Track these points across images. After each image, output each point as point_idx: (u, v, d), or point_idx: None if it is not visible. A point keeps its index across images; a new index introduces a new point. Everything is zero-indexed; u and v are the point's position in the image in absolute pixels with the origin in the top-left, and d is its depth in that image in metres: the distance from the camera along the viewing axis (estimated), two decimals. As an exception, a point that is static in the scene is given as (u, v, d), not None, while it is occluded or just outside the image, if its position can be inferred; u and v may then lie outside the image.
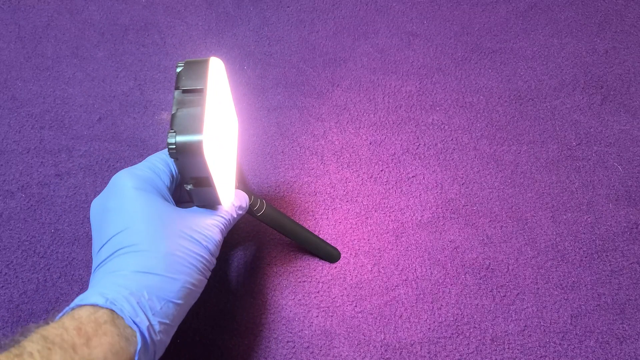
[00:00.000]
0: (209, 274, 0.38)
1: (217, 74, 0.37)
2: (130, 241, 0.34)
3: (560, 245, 0.57)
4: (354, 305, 0.53)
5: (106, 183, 0.58)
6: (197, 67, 0.35)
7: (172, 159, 0.34)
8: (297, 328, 0.52)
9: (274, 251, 0.56)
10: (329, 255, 0.55)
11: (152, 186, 0.37)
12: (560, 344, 0.52)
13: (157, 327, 0.33)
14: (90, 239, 0.56)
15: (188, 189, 0.37)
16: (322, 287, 0.54)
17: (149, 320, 0.32)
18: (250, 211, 0.46)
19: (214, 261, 0.38)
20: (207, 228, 0.37)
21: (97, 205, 0.38)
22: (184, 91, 0.35)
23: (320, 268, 0.55)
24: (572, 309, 0.54)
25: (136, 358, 0.32)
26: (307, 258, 0.56)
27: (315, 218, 0.58)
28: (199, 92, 0.35)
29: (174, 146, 0.33)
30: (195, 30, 0.70)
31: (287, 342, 0.52)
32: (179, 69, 0.36)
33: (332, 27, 0.71)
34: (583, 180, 0.61)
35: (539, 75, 0.68)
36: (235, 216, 0.41)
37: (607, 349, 0.52)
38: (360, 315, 0.53)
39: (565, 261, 0.56)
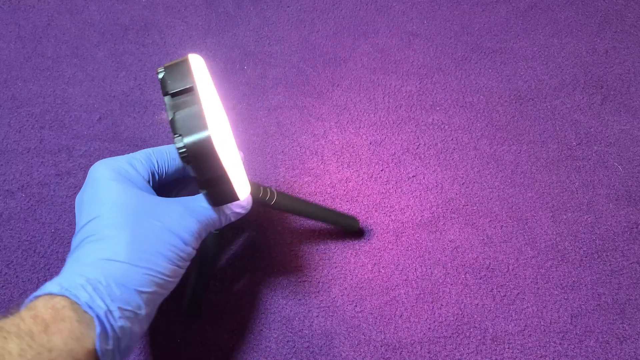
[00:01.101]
0: (184, 263, 0.37)
1: (200, 70, 0.37)
2: (96, 230, 0.34)
3: (561, 245, 0.57)
4: (354, 305, 0.53)
5: (106, 183, 0.59)
6: (178, 68, 0.35)
7: (184, 164, 0.33)
8: (297, 328, 0.52)
9: (274, 251, 0.56)
10: (350, 225, 0.55)
11: (127, 177, 0.37)
12: (560, 344, 0.52)
13: (116, 314, 0.32)
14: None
15: (204, 194, 0.36)
16: (323, 286, 0.54)
17: (106, 305, 0.32)
18: (263, 203, 0.46)
19: (190, 250, 0.37)
20: (181, 216, 0.37)
21: (77, 198, 0.38)
22: (174, 95, 0.34)
23: (320, 268, 0.55)
24: (572, 309, 0.54)
25: (97, 343, 0.31)
26: (308, 258, 0.56)
27: (316, 218, 0.58)
28: (189, 91, 0.34)
29: (185, 149, 0.32)
30: (195, 30, 0.70)
31: (287, 341, 0.52)
32: (160, 75, 0.35)
33: (332, 26, 0.71)
34: (583, 180, 0.61)
35: (539, 75, 0.68)
36: (229, 213, 0.40)
37: (607, 348, 0.52)
38: (360, 315, 0.53)
39: (565, 261, 0.56)
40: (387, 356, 0.51)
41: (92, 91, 0.65)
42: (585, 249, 0.57)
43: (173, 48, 0.69)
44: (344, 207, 0.59)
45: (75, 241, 0.35)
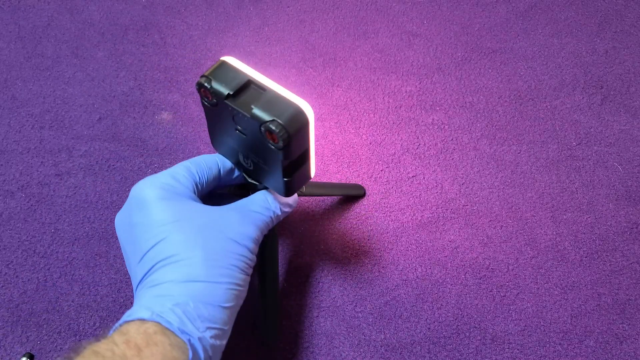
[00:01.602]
0: (251, 271, 0.37)
1: (239, 63, 0.36)
2: (167, 253, 0.34)
3: (560, 245, 0.57)
4: (354, 305, 0.54)
5: (106, 183, 0.59)
6: (221, 71, 0.34)
7: (280, 149, 0.33)
8: (297, 328, 0.52)
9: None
10: (357, 193, 0.58)
11: (175, 192, 0.37)
12: (560, 344, 0.52)
13: (207, 334, 0.32)
14: (91, 239, 0.56)
15: (286, 182, 0.36)
16: (323, 287, 0.54)
17: (197, 328, 0.32)
18: (300, 193, 0.46)
19: (255, 258, 0.37)
20: (240, 224, 0.37)
21: (121, 221, 0.37)
22: (235, 94, 0.34)
23: (320, 268, 0.55)
24: (572, 309, 0.54)
25: None
26: (308, 258, 0.56)
27: (316, 218, 0.58)
28: (247, 84, 0.34)
29: (285, 130, 0.32)
30: (195, 30, 0.70)
31: (287, 342, 0.52)
32: (208, 84, 0.34)
33: (332, 27, 0.71)
34: (583, 180, 0.61)
35: (539, 75, 0.68)
36: (280, 213, 0.40)
37: (607, 349, 0.52)
38: (360, 315, 0.53)
39: (565, 261, 0.56)
40: (387, 356, 0.51)
41: (92, 91, 0.65)
42: (585, 249, 0.57)
43: (173, 48, 0.69)
44: (344, 207, 0.59)
45: (140, 268, 0.35)
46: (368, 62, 0.68)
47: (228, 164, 0.41)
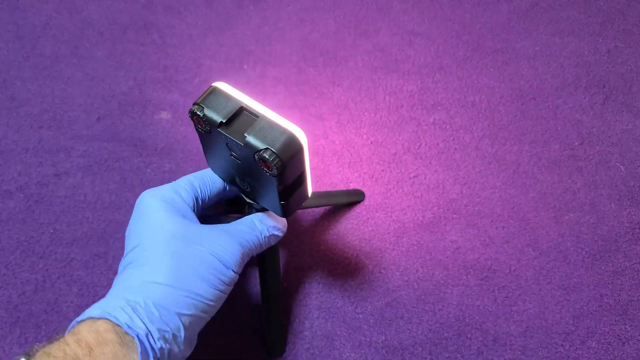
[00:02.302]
0: (226, 287, 0.37)
1: (230, 89, 0.36)
2: (138, 256, 0.35)
3: (563, 246, 0.57)
4: (355, 306, 0.53)
5: (105, 183, 0.59)
6: (213, 98, 0.34)
7: (275, 176, 0.33)
8: (297, 329, 0.52)
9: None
10: (357, 198, 0.58)
11: (173, 205, 0.38)
12: (562, 345, 0.52)
13: (155, 334, 0.32)
14: (89, 240, 0.56)
15: (281, 205, 0.37)
16: (323, 288, 0.54)
17: (146, 326, 0.32)
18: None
19: (232, 275, 0.37)
20: (223, 240, 0.37)
21: (127, 231, 0.39)
22: (228, 122, 0.33)
23: (320, 269, 0.55)
24: (575, 310, 0.53)
25: None
26: (308, 259, 0.56)
27: (317, 219, 0.58)
28: (240, 111, 0.34)
29: (278, 158, 0.32)
30: (195, 30, 0.70)
31: (288, 343, 0.52)
32: (200, 112, 0.34)
33: (332, 25, 0.71)
34: (585, 180, 0.60)
35: (541, 74, 0.68)
36: (268, 234, 0.40)
37: (609, 350, 0.52)
38: (361, 316, 0.53)
39: (567, 262, 0.56)
40: (388, 358, 0.51)
41: (91, 91, 0.65)
42: (587, 249, 0.56)
43: (172, 48, 0.69)
44: (344, 208, 0.58)
45: (119, 268, 0.37)
46: (369, 61, 0.68)
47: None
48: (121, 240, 0.55)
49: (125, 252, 0.37)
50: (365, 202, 0.59)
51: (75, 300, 0.53)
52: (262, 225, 0.40)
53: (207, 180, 0.41)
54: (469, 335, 0.52)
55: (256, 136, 0.32)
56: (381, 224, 0.57)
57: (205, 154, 0.39)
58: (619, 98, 0.66)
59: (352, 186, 0.59)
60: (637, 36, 0.71)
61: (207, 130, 0.35)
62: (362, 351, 0.51)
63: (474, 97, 0.66)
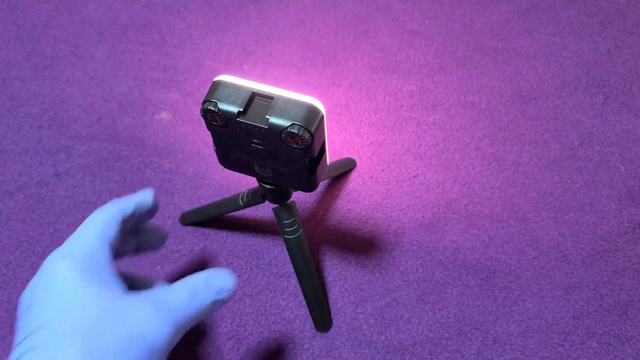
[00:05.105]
0: None
1: (235, 79, 0.36)
2: (42, 339, 0.29)
3: (563, 246, 0.57)
4: (355, 306, 0.53)
5: (105, 183, 0.59)
6: (222, 91, 0.34)
7: (304, 149, 0.33)
8: (298, 329, 0.52)
9: (274, 252, 0.56)
10: (349, 167, 0.59)
11: (87, 269, 0.32)
12: (562, 345, 0.52)
13: None
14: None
15: (312, 178, 0.37)
16: (323, 288, 0.54)
17: None
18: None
19: (161, 356, 0.31)
20: (151, 318, 0.31)
21: (25, 298, 0.33)
22: (245, 109, 0.34)
23: (320, 269, 0.55)
24: (574, 310, 0.53)
25: None
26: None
27: (317, 219, 0.58)
28: (253, 97, 0.34)
29: (306, 130, 0.32)
30: (195, 29, 0.70)
31: (288, 343, 0.52)
32: (213, 107, 0.34)
33: (332, 26, 0.71)
34: (585, 180, 0.60)
35: (541, 74, 0.68)
36: (210, 302, 0.33)
37: (609, 350, 0.52)
38: (361, 316, 0.53)
39: (567, 262, 0.56)
40: (388, 358, 0.51)
41: (91, 91, 0.65)
42: (587, 249, 0.56)
43: (172, 47, 0.69)
44: (344, 207, 0.58)
45: (15, 354, 0.29)
46: (369, 61, 0.68)
47: (148, 202, 0.37)
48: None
49: (21, 331, 0.30)
50: (366, 201, 0.59)
51: (75, 300, 0.53)
52: (206, 292, 0.33)
53: (117, 215, 0.36)
54: (469, 335, 0.52)
55: (278, 115, 0.33)
56: (381, 224, 0.57)
57: (217, 150, 0.39)
58: (619, 98, 0.66)
59: (351, 185, 0.59)
60: (637, 36, 0.71)
61: (222, 125, 0.35)
62: (362, 351, 0.51)
63: (474, 97, 0.66)
